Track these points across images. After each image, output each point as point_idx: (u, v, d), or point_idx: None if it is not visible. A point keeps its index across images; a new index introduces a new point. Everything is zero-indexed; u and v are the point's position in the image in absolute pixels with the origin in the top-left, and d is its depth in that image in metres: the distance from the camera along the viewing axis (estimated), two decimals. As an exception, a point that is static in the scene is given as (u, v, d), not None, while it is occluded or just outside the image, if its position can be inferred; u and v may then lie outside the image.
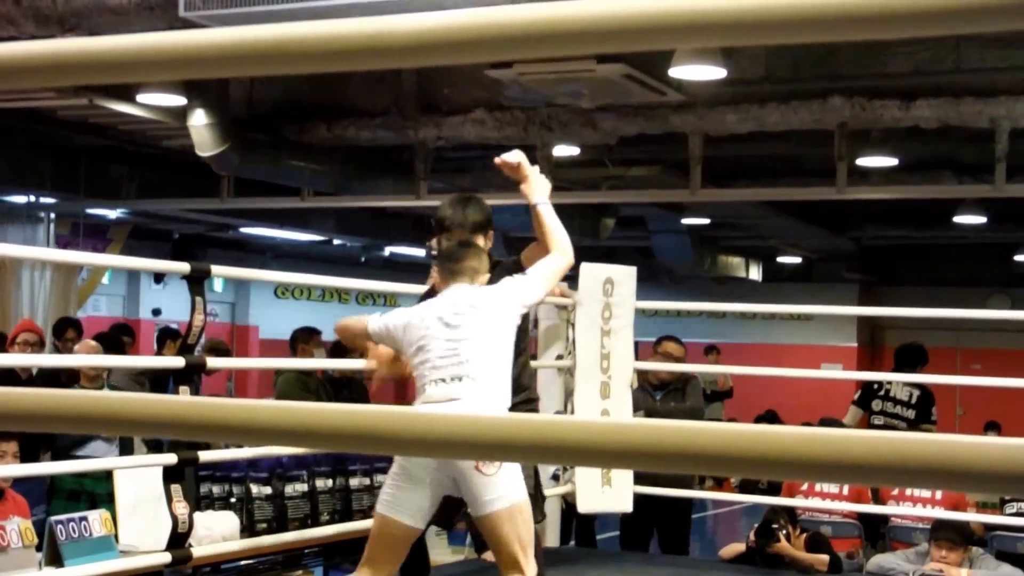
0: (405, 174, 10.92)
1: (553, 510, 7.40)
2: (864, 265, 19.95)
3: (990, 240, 16.97)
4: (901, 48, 8.26)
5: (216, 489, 6.38)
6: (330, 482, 6.84)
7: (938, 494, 7.65)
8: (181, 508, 4.93)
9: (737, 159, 11.32)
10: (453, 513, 4.68)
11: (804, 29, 1.26)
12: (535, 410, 5.26)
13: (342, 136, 9.98)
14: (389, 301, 21.82)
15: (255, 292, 19.40)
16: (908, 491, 7.70)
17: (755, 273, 19.74)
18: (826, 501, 7.65)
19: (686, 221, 15.70)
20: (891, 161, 10.57)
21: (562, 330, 7.31)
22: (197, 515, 5.37)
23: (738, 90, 8.72)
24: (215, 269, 5.26)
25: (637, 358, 7.50)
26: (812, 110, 8.61)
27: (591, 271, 7.17)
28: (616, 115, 9.15)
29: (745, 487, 15.16)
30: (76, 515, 5.13)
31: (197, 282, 5.04)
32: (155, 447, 4.97)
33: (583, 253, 9.89)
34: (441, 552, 10.21)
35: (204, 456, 5.26)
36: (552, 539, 7.39)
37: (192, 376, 5.24)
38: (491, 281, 4.61)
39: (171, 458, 4.94)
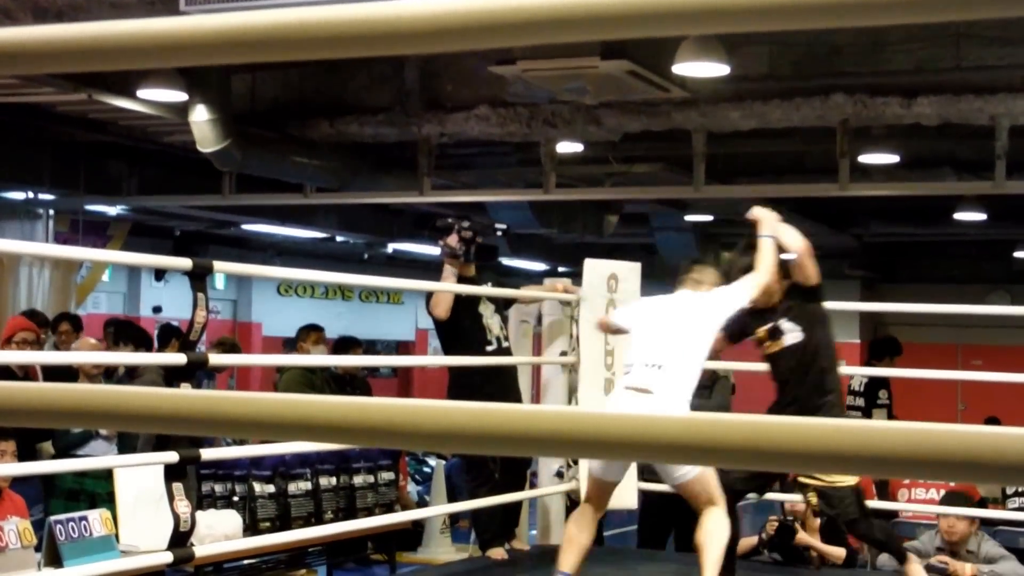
0: (408, 170, 10.90)
1: (558, 508, 7.39)
2: (866, 262, 19.91)
3: (990, 237, 16.95)
4: (902, 45, 8.25)
5: (218, 488, 6.37)
6: (334, 480, 6.83)
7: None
8: (183, 507, 4.88)
9: (740, 156, 11.30)
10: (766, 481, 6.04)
11: (804, 15, 1.26)
12: (838, 410, 6.02)
13: (345, 132, 9.95)
14: (393, 299, 21.87)
15: (257, 289, 19.38)
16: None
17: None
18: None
19: (689, 218, 15.67)
20: (892, 158, 10.55)
21: (566, 326, 7.30)
22: (199, 514, 5.34)
23: (741, 87, 8.70)
24: (217, 265, 5.23)
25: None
26: (814, 107, 8.59)
27: (595, 267, 7.17)
28: (619, 112, 9.13)
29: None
30: (76, 515, 5.12)
31: (199, 278, 4.99)
32: (159, 445, 4.91)
33: (587, 250, 9.91)
34: (445, 551, 10.23)
35: (206, 454, 5.22)
36: (557, 537, 7.37)
37: (194, 373, 5.22)
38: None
39: (172, 456, 4.87)
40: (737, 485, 5.77)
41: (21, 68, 1.76)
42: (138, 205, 13.33)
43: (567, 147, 10.44)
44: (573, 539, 5.44)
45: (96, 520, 5.14)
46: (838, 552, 6.78)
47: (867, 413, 10.46)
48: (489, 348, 6.70)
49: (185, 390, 4.85)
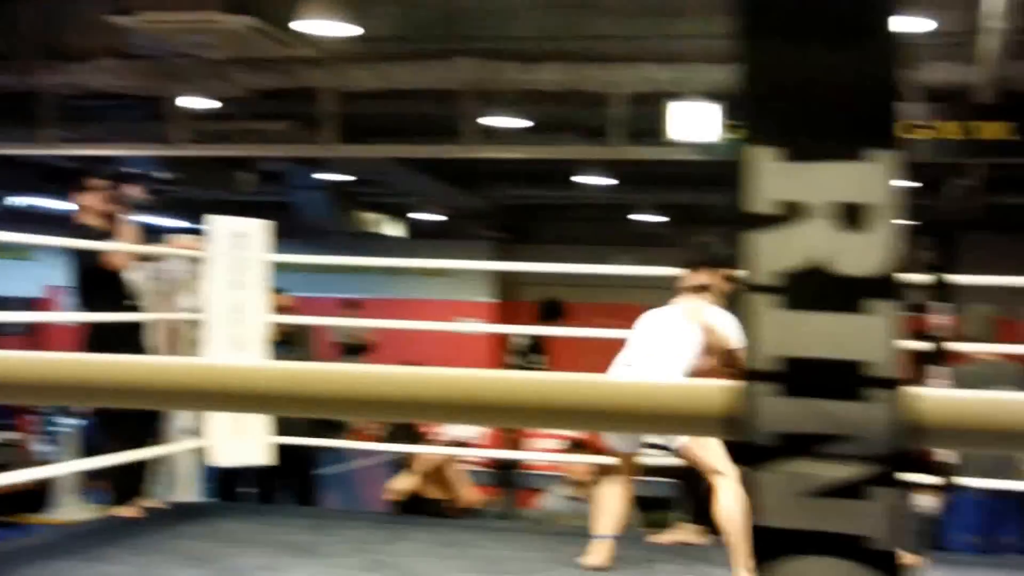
0: (28, 121, 10.47)
1: (188, 465, 7.32)
2: (498, 223, 20.48)
3: (614, 201, 17.73)
4: (526, 13, 8.53)
5: None
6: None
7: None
8: None
9: (371, 116, 11.41)
10: None
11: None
12: None
13: (-42, 81, 9.49)
14: (19, 253, 20.92)
15: None
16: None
17: (395, 229, 19.97)
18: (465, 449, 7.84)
19: (325, 176, 15.72)
20: (519, 122, 10.90)
21: (191, 283, 7.21)
22: None
23: (370, 48, 8.80)
24: None
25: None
26: (439, 69, 8.78)
27: (220, 224, 7.10)
28: (247, 68, 9.06)
29: (393, 437, 15.36)
30: None
31: None
32: None
33: (220, 206, 9.79)
34: (76, 511, 9.95)
35: None
36: (187, 494, 7.31)
37: None
38: None
39: None
40: None
41: None
42: None
43: (197, 103, 10.27)
44: (610, 503, 5.38)
45: None
46: (477, 497, 6.96)
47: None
48: (130, 303, 6.60)
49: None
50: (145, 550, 5.62)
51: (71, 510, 9.98)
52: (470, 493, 6.94)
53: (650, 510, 7.82)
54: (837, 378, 1.18)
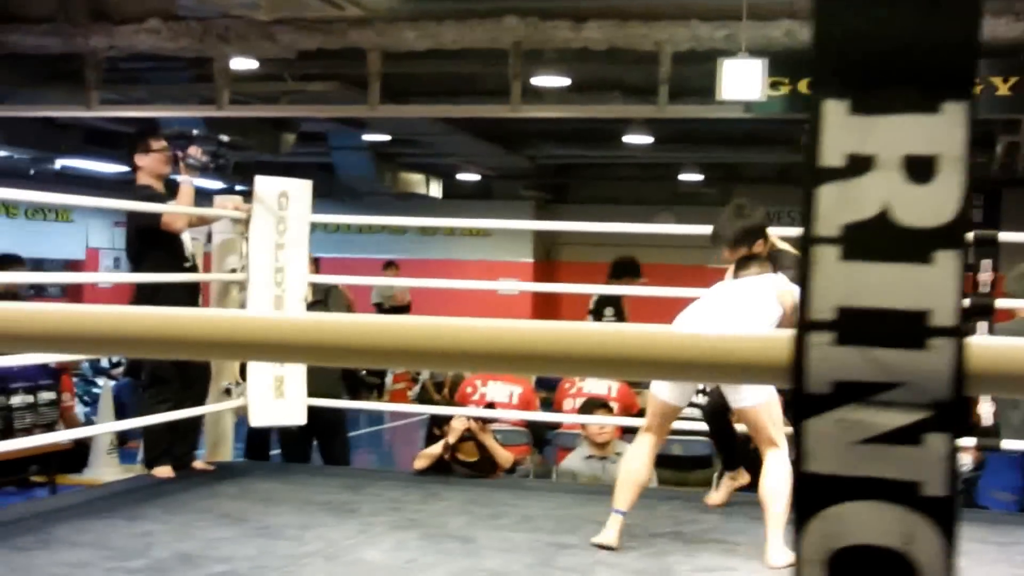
0: (76, 84, 10.55)
1: (227, 425, 7.41)
2: (540, 183, 20.50)
3: (657, 160, 17.71)
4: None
5: None
6: (-9, 401, 6.61)
7: (613, 392, 8.06)
8: None
9: (415, 76, 11.44)
10: None
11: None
12: None
13: (5, 43, 9.54)
14: (62, 216, 21.12)
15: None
16: (582, 388, 8.06)
17: (435, 190, 20.01)
18: (497, 411, 7.89)
19: (366, 137, 15.77)
20: (564, 81, 10.89)
21: (236, 244, 7.27)
22: None
23: (416, 7, 8.81)
24: None
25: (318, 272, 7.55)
26: (487, 28, 8.77)
27: (266, 185, 7.14)
28: (294, 28, 9.09)
29: (423, 399, 15.47)
30: None
31: None
32: None
33: (263, 167, 9.86)
34: (111, 471, 10.09)
35: None
36: (225, 454, 7.41)
37: None
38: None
39: None
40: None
41: None
42: None
43: (242, 63, 10.32)
44: (632, 475, 5.19)
45: None
46: (507, 455, 7.01)
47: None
48: (186, 265, 6.63)
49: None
50: (182, 510, 5.69)
51: (107, 470, 10.11)
52: (502, 453, 6.99)
53: (691, 469, 7.87)
54: (899, 327, 1.20)
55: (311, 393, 7.27)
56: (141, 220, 6.51)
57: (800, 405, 1.21)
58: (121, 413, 10.65)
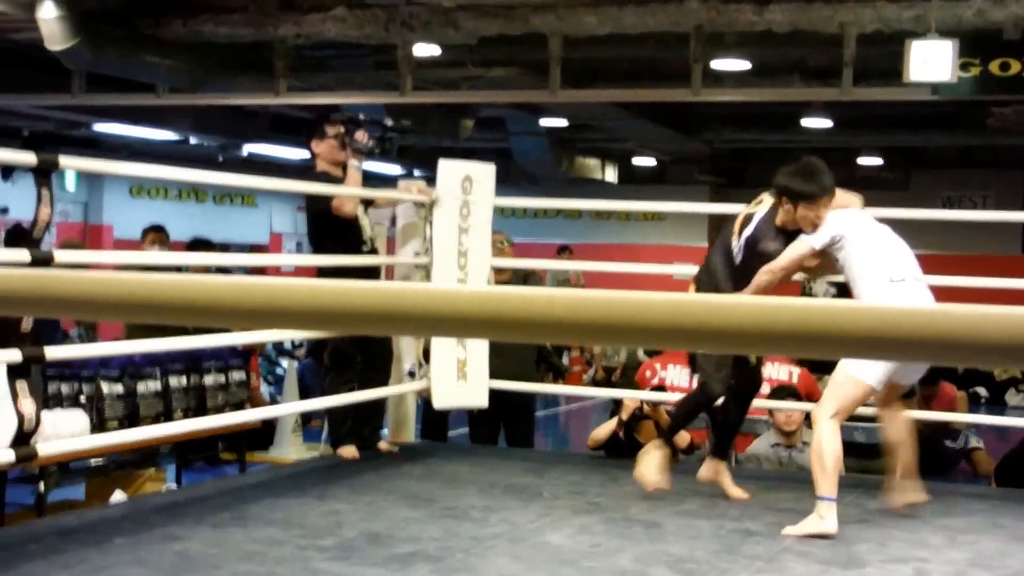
0: (264, 72, 10.80)
1: (410, 406, 7.53)
2: (715, 168, 20.31)
3: (836, 144, 17.41)
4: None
5: (65, 388, 6.22)
6: (184, 379, 6.76)
7: (794, 379, 7.98)
8: (28, 405, 4.68)
9: (595, 61, 11.42)
10: None
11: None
12: None
13: (199, 32, 9.81)
14: (247, 201, 21.68)
15: (109, 190, 19.06)
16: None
17: (611, 175, 19.98)
18: (675, 395, 7.85)
19: (544, 123, 15.81)
20: (744, 64, 10.77)
21: (420, 228, 7.35)
22: (44, 414, 5.11)
23: (598, -9, 8.81)
24: (63, 160, 5.01)
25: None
26: (669, 12, 8.72)
27: (450, 168, 7.20)
28: (477, 15, 9.16)
29: (597, 382, 15.50)
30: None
31: (44, 174, 4.80)
32: (1, 343, 4.72)
33: (442, 153, 9.98)
34: (296, 450, 10.34)
35: (52, 353, 5.01)
36: (409, 435, 7.53)
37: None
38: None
39: (15, 355, 4.67)
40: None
41: None
42: (-17, 104, 13.00)
43: (423, 50, 10.44)
44: (838, 462, 5.21)
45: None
46: (684, 435, 6.96)
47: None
48: (364, 248, 6.70)
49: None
50: (368, 490, 5.78)
51: (291, 449, 10.36)
52: (680, 437, 6.95)
53: (874, 457, 7.74)
54: None
55: (504, 376, 7.35)
56: (317, 205, 6.62)
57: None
58: (304, 393, 10.91)
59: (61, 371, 6.27)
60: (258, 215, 21.90)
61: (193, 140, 16.35)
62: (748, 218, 5.60)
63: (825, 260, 5.53)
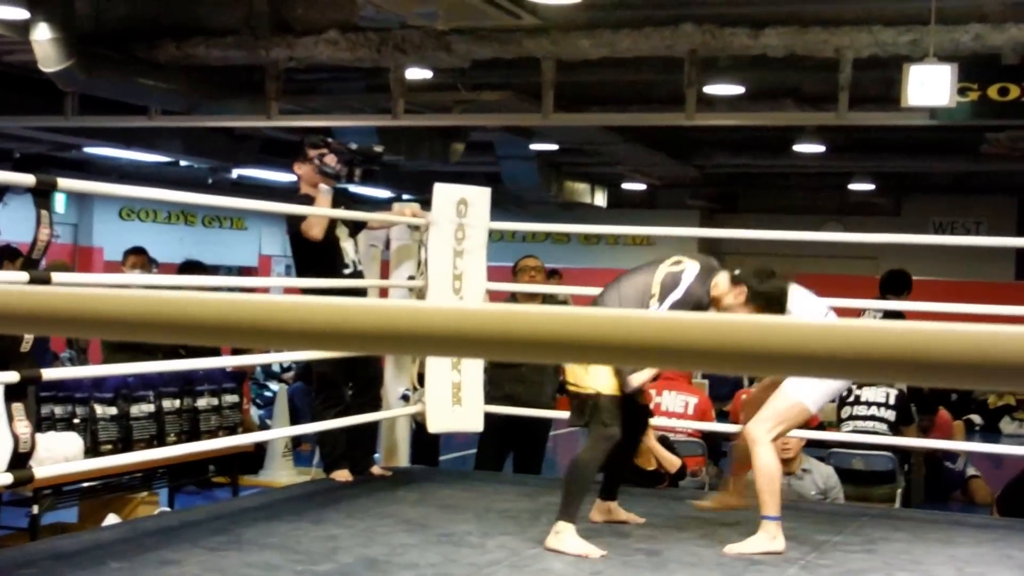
0: (256, 95, 10.78)
1: (403, 431, 7.47)
2: (706, 192, 20.33)
3: (827, 169, 17.45)
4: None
5: (58, 410, 6.19)
6: (177, 402, 6.73)
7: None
8: (23, 427, 4.64)
9: (588, 85, 11.41)
10: None
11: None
12: None
13: (192, 55, 9.78)
14: (236, 224, 21.65)
15: (99, 213, 19.02)
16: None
17: (600, 199, 19.98)
18: (672, 420, 7.82)
19: (534, 147, 15.80)
20: (737, 89, 10.77)
21: (414, 250, 7.31)
22: (39, 436, 5.08)
23: (593, 15, 8.79)
24: (62, 183, 4.97)
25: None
26: (664, 36, 8.71)
27: (445, 191, 7.17)
28: (470, 38, 9.15)
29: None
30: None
31: (43, 195, 4.76)
32: None
33: (432, 178, 9.95)
34: (287, 473, 10.27)
35: (47, 375, 4.99)
36: (402, 459, 7.47)
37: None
38: None
39: (13, 376, 4.63)
40: None
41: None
42: (-26, 125, 12.95)
43: (416, 73, 10.42)
44: (779, 480, 5.28)
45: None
46: (673, 460, 6.90)
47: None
48: (346, 271, 6.65)
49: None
50: (364, 515, 5.72)
51: (282, 473, 10.30)
52: (668, 458, 6.92)
53: (873, 484, 7.71)
54: None
55: (527, 403, 7.33)
56: (294, 228, 6.60)
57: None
58: (294, 417, 10.85)
59: (54, 393, 6.23)
60: (247, 238, 21.89)
61: (183, 162, 16.32)
62: (672, 277, 5.43)
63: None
